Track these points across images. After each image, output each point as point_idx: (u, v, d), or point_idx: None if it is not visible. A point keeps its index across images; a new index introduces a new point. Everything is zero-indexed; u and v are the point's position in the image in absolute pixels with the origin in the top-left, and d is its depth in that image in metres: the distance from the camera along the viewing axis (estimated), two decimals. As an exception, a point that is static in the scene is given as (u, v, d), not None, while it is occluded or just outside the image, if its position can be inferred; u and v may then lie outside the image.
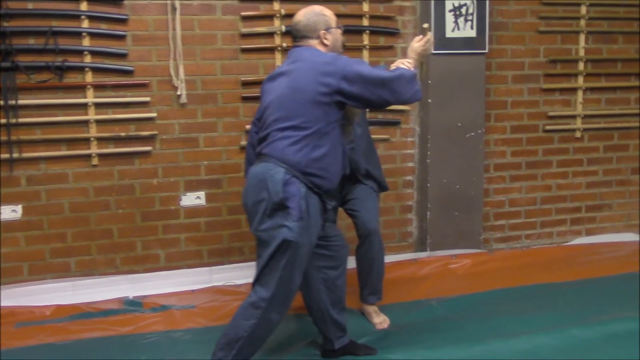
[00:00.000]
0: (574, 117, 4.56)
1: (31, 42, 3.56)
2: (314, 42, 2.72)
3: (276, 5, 3.87)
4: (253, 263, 3.81)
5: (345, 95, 2.57)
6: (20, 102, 3.57)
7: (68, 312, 3.56)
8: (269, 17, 3.88)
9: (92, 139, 3.71)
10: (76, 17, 3.60)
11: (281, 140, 2.58)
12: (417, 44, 2.73)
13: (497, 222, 4.56)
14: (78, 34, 3.62)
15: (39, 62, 3.57)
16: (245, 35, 3.86)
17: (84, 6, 3.60)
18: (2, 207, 3.65)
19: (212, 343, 2.71)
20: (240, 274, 3.96)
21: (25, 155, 3.64)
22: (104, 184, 3.79)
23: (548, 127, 4.49)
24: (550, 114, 4.50)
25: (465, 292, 3.80)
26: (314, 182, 2.60)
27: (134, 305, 3.65)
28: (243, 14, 3.82)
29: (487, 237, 4.51)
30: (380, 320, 3.38)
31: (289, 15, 3.85)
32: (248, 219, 2.69)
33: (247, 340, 2.60)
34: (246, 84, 3.90)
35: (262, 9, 3.87)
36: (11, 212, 3.68)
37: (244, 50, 3.87)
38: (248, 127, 3.89)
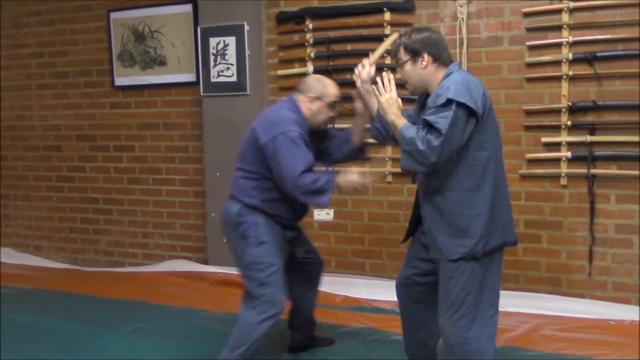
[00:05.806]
0: None
1: (347, 77, 4.34)
2: (300, 98, 3.11)
3: (564, 33, 3.75)
4: (527, 293, 3.88)
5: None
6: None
7: (351, 303, 4.21)
8: (557, 46, 3.79)
9: (387, 159, 4.29)
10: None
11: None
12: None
13: None
14: (380, 69, 4.23)
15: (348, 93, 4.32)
16: (530, 65, 3.86)
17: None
18: (318, 209, 4.54)
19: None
20: (514, 302, 3.93)
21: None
22: (396, 199, 4.32)
23: None
24: None
25: None
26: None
27: (403, 309, 4.07)
28: (529, 43, 3.83)
29: None
30: None
31: (578, 43, 3.71)
32: None
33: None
34: (529, 113, 3.89)
35: (550, 37, 3.81)
36: (325, 215, 4.53)
37: (529, 80, 3.88)
38: (529, 155, 3.90)
